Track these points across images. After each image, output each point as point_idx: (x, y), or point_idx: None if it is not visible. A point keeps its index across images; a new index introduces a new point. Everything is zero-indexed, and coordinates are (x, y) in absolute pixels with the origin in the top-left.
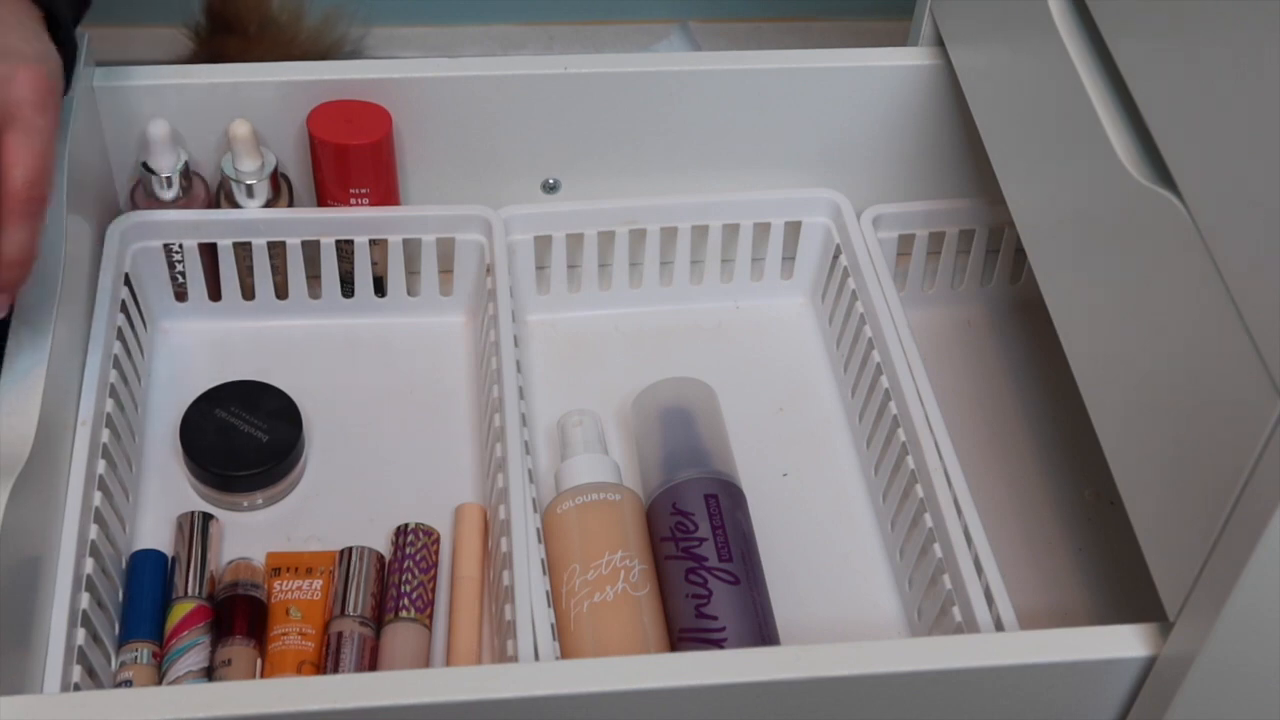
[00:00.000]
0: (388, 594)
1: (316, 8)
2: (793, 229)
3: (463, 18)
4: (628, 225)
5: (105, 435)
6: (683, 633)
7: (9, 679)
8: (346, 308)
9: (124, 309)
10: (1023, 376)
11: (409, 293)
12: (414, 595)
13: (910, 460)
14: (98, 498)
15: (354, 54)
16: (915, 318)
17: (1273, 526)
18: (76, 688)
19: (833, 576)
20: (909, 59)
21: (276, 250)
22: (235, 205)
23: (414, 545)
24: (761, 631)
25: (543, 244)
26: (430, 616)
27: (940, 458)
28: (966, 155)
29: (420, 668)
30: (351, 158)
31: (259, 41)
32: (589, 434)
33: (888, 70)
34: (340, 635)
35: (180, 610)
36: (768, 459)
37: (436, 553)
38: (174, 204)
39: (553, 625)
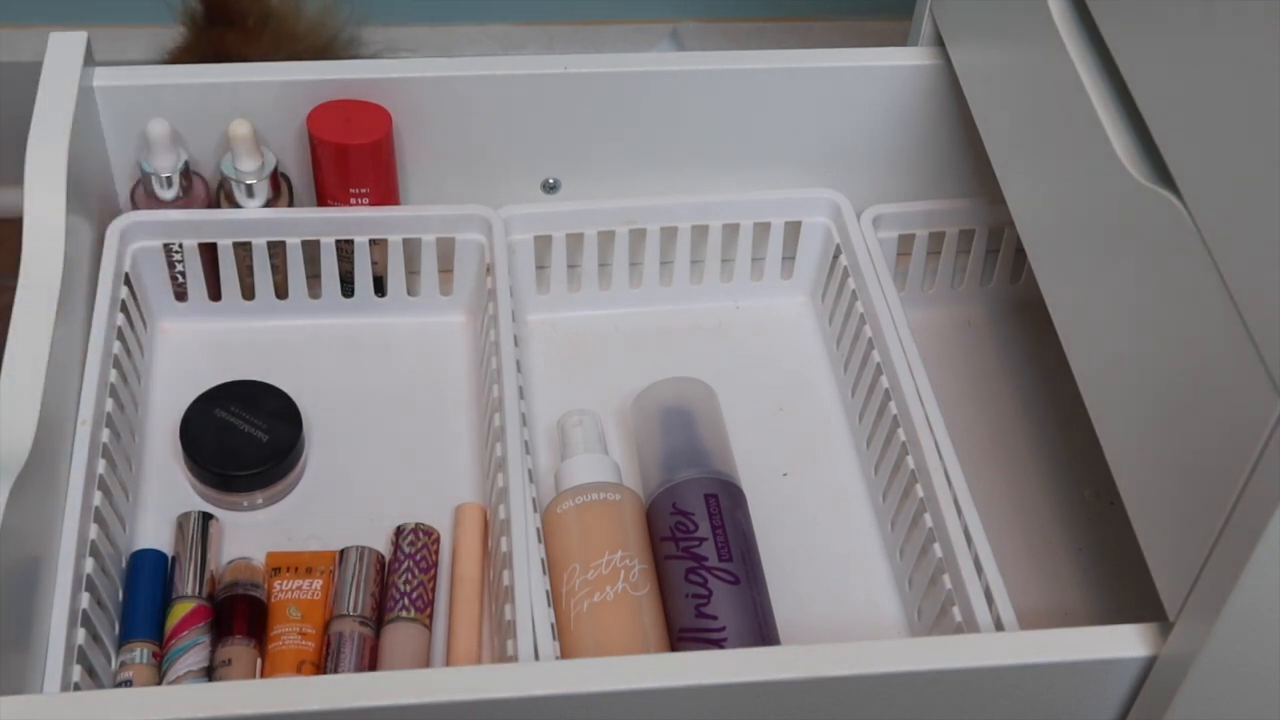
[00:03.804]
0: (388, 594)
1: (313, 2)
2: (793, 229)
3: (463, 18)
4: (628, 225)
5: (105, 435)
6: (683, 633)
7: (9, 679)
8: (346, 308)
9: (124, 309)
10: (1023, 376)
11: (409, 293)
12: (414, 595)
13: (910, 460)
14: (98, 498)
15: (352, 45)
16: (915, 318)
17: (1273, 526)
18: (76, 688)
19: (833, 576)
20: (909, 59)
21: (276, 250)
22: (235, 205)
23: (414, 545)
24: (761, 631)
25: (543, 244)
26: (430, 616)
27: (940, 458)
28: (966, 155)
29: (420, 668)
30: (351, 158)
31: (258, 34)
32: (589, 434)
33: (888, 70)
34: (340, 635)
35: (180, 610)
36: (768, 459)
37: (436, 552)
38: (174, 204)
39: (553, 625)
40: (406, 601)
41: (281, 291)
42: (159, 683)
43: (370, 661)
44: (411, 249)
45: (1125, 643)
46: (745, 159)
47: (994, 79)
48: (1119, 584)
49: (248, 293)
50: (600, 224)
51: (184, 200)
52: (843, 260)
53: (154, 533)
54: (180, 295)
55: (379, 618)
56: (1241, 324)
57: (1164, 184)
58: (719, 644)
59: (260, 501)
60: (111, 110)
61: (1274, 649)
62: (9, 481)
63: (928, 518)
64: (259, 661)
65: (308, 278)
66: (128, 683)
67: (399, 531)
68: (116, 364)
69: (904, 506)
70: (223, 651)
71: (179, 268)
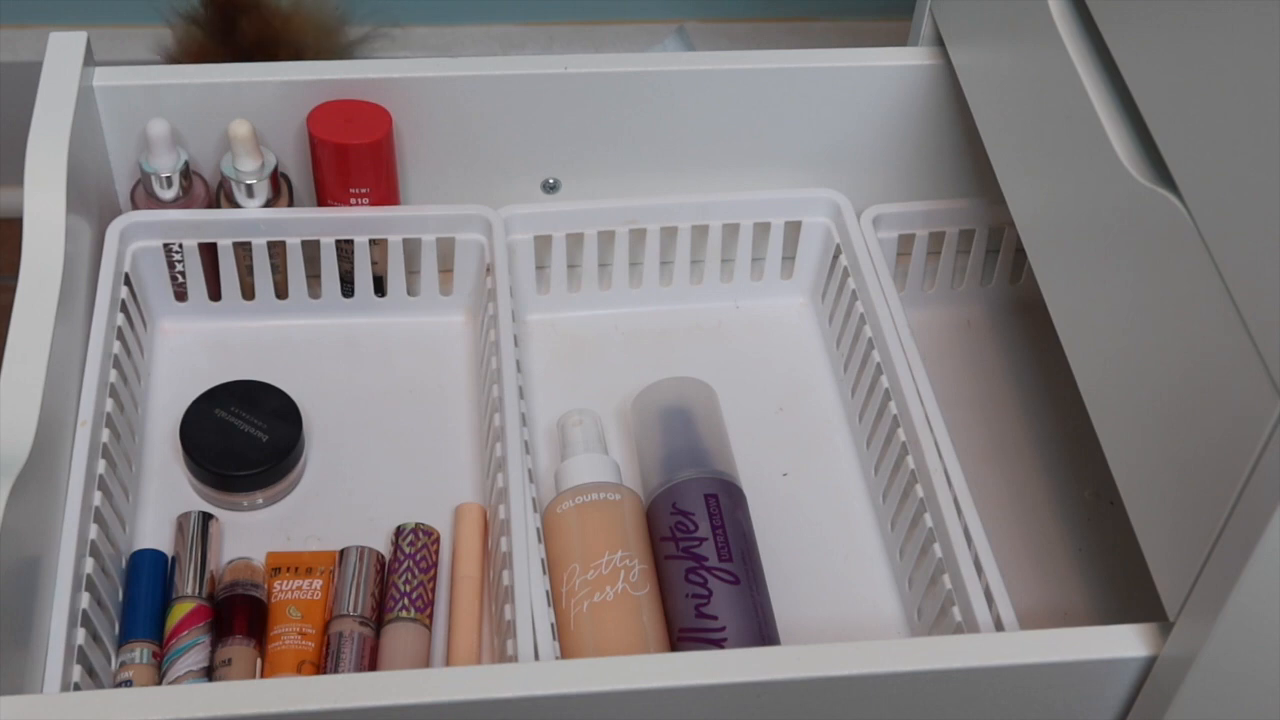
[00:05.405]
0: (388, 594)
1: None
2: (793, 229)
3: (463, 18)
4: (628, 225)
5: (105, 435)
6: (683, 633)
7: (9, 679)
8: (346, 307)
9: (124, 309)
10: (1023, 376)
11: (409, 292)
12: (414, 595)
13: (910, 460)
14: (98, 498)
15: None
16: (915, 318)
17: (1273, 526)
18: (76, 687)
19: (833, 576)
20: (909, 59)
21: (276, 250)
22: (235, 205)
23: (414, 545)
24: (761, 631)
25: (543, 244)
26: (430, 616)
27: (940, 458)
28: (966, 155)
29: (420, 668)
30: (351, 158)
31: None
32: (589, 434)
33: (888, 70)
34: (340, 635)
35: (180, 610)
36: (768, 459)
37: (436, 552)
38: (174, 204)
39: (552, 625)
40: (406, 602)
41: (281, 291)
42: (159, 683)
43: (370, 661)
44: (411, 249)
45: (1125, 643)
46: (745, 159)
47: (994, 79)
48: (1119, 584)
49: (248, 293)
50: (600, 224)
51: (184, 200)
52: (843, 260)
53: (154, 533)
54: (180, 295)
55: (379, 618)
56: (1241, 324)
57: (1164, 184)
58: (719, 644)
59: (260, 501)
60: (111, 110)
61: (1274, 649)
62: (9, 481)
63: (928, 518)
64: (259, 661)
65: (308, 278)
66: (128, 683)
67: (399, 531)
68: (116, 364)
69: (904, 506)
70: (223, 651)
71: (179, 268)
